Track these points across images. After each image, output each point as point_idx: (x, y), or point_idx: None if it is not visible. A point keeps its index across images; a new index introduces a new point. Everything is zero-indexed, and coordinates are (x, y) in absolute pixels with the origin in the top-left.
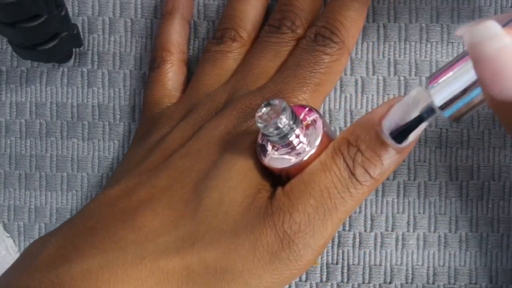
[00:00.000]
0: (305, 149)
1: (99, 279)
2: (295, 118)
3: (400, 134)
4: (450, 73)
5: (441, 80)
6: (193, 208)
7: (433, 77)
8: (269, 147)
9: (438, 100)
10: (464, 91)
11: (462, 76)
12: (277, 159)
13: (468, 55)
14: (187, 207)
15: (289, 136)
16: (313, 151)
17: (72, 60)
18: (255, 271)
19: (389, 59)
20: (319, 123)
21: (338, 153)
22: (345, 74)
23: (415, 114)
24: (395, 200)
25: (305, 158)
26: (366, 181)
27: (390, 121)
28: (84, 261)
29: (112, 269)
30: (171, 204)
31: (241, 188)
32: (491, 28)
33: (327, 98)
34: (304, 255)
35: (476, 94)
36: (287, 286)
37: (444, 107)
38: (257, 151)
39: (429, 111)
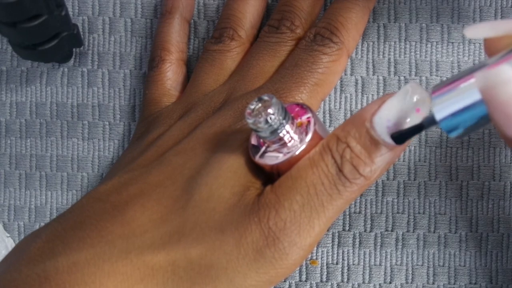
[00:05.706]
0: (296, 145)
1: (85, 273)
2: (285, 114)
3: (399, 136)
4: (454, 89)
5: (444, 94)
6: (182, 205)
7: (437, 88)
8: (261, 144)
9: (439, 114)
10: (466, 110)
11: (465, 95)
12: (267, 155)
13: (473, 74)
14: (176, 203)
15: (279, 131)
16: (303, 147)
17: (72, 60)
18: (239, 269)
19: (389, 59)
20: (311, 121)
21: (327, 149)
22: (345, 74)
23: (408, 110)
24: (395, 200)
25: (296, 153)
26: (355, 179)
27: (381, 118)
28: (71, 255)
29: (98, 263)
30: (161, 200)
31: (229, 185)
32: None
33: (327, 98)
34: (289, 254)
35: (478, 114)
36: (287, 286)
37: (444, 120)
38: (249, 149)
39: (430, 121)
